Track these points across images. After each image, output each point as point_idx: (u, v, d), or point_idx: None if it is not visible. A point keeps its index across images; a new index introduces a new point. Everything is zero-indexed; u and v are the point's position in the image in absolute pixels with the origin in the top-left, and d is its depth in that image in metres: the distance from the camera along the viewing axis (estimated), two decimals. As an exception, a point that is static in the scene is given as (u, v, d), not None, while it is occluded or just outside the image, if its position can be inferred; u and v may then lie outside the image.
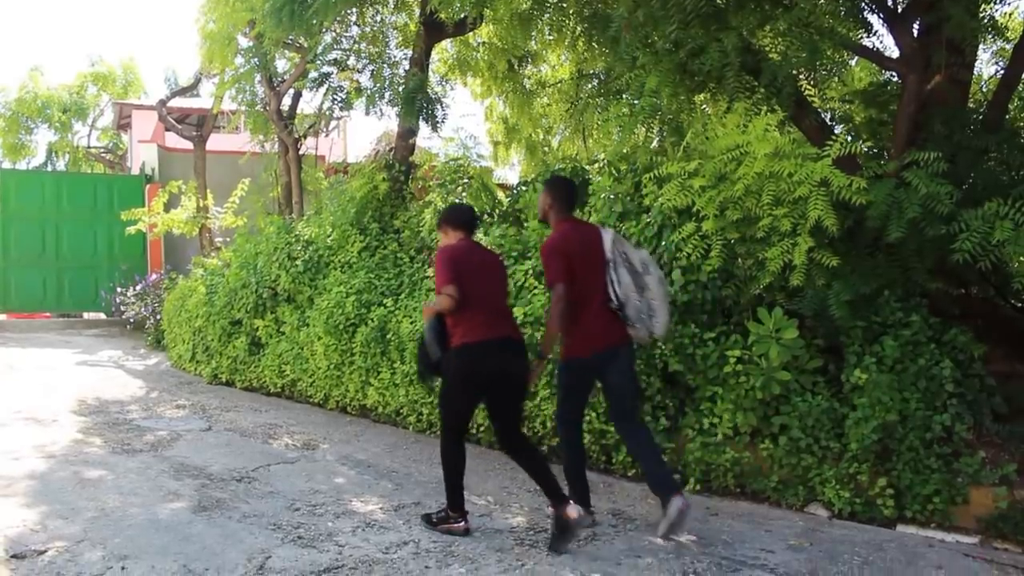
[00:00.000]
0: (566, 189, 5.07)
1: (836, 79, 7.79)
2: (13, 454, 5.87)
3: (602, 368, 4.77)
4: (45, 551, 4.04)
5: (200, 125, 16.62)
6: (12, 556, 3.96)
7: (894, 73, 6.71)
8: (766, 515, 5.18)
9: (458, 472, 4.64)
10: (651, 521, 4.90)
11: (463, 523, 4.59)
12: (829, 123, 7.16)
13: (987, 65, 8.19)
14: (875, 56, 6.41)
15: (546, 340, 4.82)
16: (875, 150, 6.71)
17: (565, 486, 4.69)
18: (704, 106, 7.87)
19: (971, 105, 6.59)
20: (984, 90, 7.53)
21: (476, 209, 5.06)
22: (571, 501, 4.49)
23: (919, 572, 4.19)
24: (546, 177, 5.29)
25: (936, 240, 5.05)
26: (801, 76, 6.47)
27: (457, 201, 8.70)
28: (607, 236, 4.86)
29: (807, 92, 6.61)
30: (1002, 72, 6.76)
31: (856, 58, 7.39)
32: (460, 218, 4.87)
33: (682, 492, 4.57)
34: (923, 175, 4.96)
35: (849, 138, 6.41)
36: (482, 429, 6.68)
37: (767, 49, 6.37)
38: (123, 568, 3.87)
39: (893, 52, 6.30)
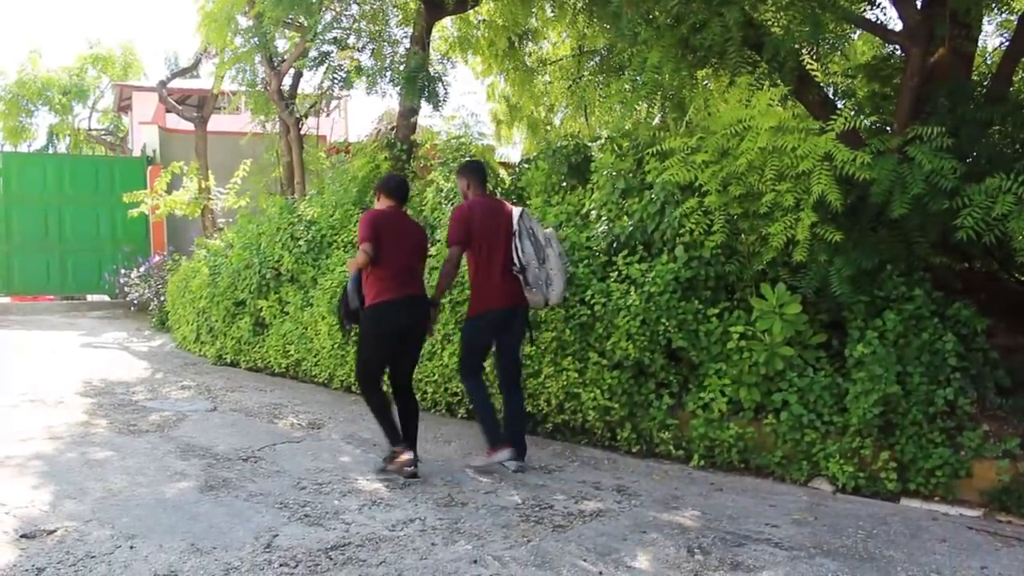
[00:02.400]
0: (479, 171, 5.82)
1: (839, 53, 7.76)
2: (21, 436, 5.90)
3: (504, 323, 5.50)
4: (54, 531, 4.07)
5: (201, 106, 16.58)
6: (22, 536, 3.99)
7: (897, 46, 6.67)
8: (770, 490, 5.20)
9: (386, 411, 5.32)
10: (656, 497, 4.94)
11: (408, 454, 5.17)
12: (832, 98, 7.14)
13: (991, 37, 8.15)
14: (878, 29, 6.38)
15: (437, 290, 5.59)
16: (878, 124, 6.69)
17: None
18: (706, 82, 7.85)
19: (975, 78, 6.56)
20: (988, 63, 7.48)
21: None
22: (411, 452, 5.18)
23: (923, 545, 4.21)
24: (462, 163, 6.31)
25: (939, 215, 5.04)
26: (803, 50, 6.44)
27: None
28: (516, 212, 5.59)
29: (809, 67, 6.58)
30: (1007, 44, 6.72)
31: (859, 31, 7.35)
32: (391, 188, 5.52)
33: (524, 458, 5.45)
34: (926, 150, 4.94)
35: (852, 113, 6.37)
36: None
37: (769, 23, 6.33)
38: (132, 547, 3.90)
39: (896, 25, 6.27)
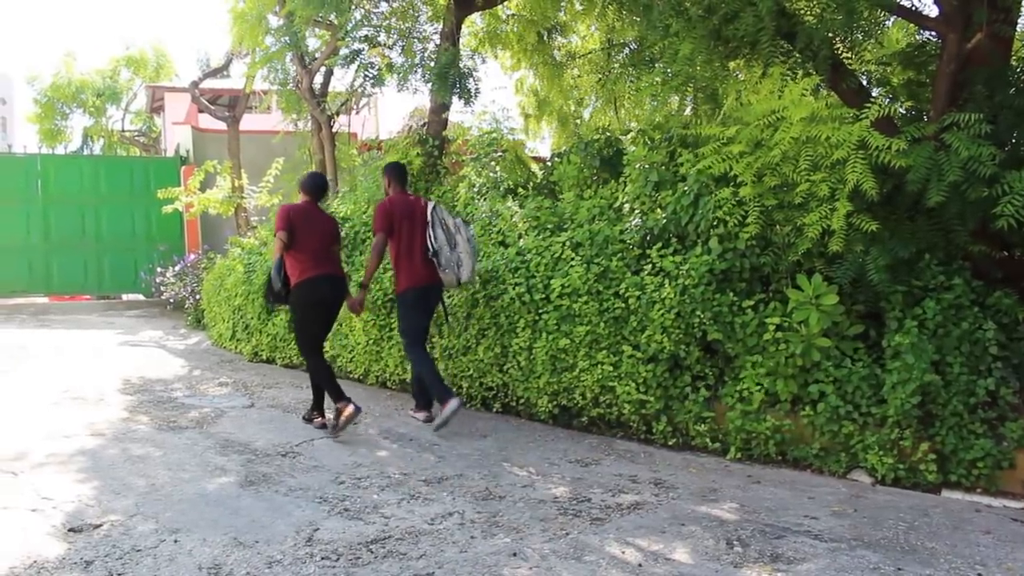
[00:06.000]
0: (399, 171, 6.83)
1: (872, 41, 7.65)
2: (64, 432, 6.00)
3: (421, 299, 6.51)
4: (100, 525, 4.14)
5: (233, 106, 16.71)
6: (70, 530, 4.06)
7: (933, 32, 6.58)
8: (808, 482, 5.18)
9: (330, 377, 6.28)
10: (693, 489, 4.93)
11: (351, 406, 6.04)
12: (866, 86, 7.05)
13: (1030, 21, 7.99)
14: (913, 15, 6.30)
15: (367, 273, 6.62)
16: (914, 112, 6.61)
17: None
18: (738, 73, 7.79)
19: (1013, 63, 6.44)
20: (1028, 47, 7.34)
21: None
22: (325, 414, 6.32)
23: (966, 537, 4.17)
24: (387, 163, 7.18)
25: (978, 203, 4.98)
26: (837, 39, 6.37)
27: (492, 174, 8.72)
28: (429, 205, 6.57)
29: (843, 55, 6.51)
30: (1046, 28, 6.60)
31: (893, 18, 7.25)
32: (307, 186, 6.53)
33: (457, 396, 6.26)
34: (963, 137, 4.88)
35: (887, 101, 6.29)
36: (521, 401, 6.72)
37: (802, 12, 6.27)
38: (176, 541, 3.96)
39: (932, 11, 6.18)
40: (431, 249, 6.38)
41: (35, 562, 3.68)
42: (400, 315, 6.66)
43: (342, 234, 8.70)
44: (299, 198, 6.54)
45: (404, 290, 6.53)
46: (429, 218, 6.47)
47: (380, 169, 7.44)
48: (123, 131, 24.35)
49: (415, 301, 6.52)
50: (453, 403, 6.14)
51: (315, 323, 6.37)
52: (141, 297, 16.59)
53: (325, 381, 6.27)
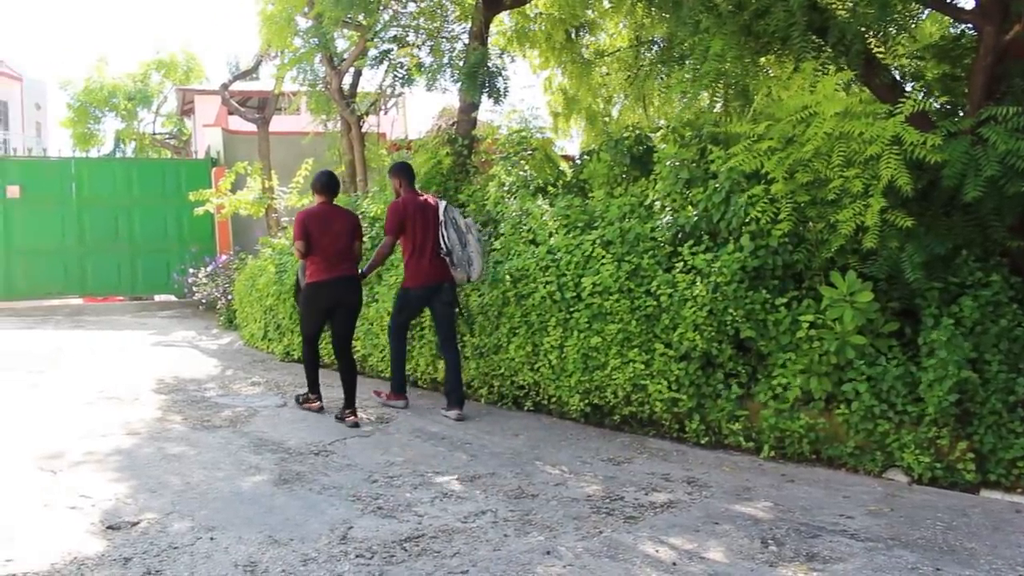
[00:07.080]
0: (408, 171, 7.09)
1: (906, 34, 7.55)
2: (100, 432, 6.07)
3: (430, 297, 6.83)
4: (137, 522, 4.19)
5: (262, 107, 16.84)
6: (108, 527, 4.11)
7: (969, 25, 6.49)
8: (843, 481, 5.13)
9: (314, 367, 6.89)
10: (727, 488, 4.90)
11: (319, 402, 6.83)
12: (900, 81, 6.97)
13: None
14: (948, 8, 6.21)
15: (369, 267, 7.03)
16: (949, 107, 6.52)
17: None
18: (768, 69, 7.73)
19: (1052, 56, 6.34)
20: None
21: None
22: (356, 412, 6.45)
23: (1006, 538, 4.11)
24: (393, 164, 7.40)
25: (1017, 198, 4.91)
26: (870, 33, 6.30)
27: (521, 173, 8.70)
28: (441, 205, 6.89)
29: (876, 50, 6.44)
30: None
31: (927, 11, 7.16)
32: (318, 185, 6.73)
33: (462, 407, 6.70)
34: (1001, 131, 4.82)
35: (921, 95, 6.20)
36: (552, 400, 6.72)
37: (834, 7, 6.21)
38: (212, 538, 3.99)
39: (968, 3, 6.10)
40: (444, 248, 6.71)
41: (75, 558, 3.73)
42: (396, 306, 7.04)
43: (371, 232, 8.75)
44: (314, 198, 6.77)
45: (410, 287, 6.86)
46: (442, 218, 6.78)
47: (387, 170, 7.66)
48: (154, 134, 24.65)
49: (416, 300, 6.90)
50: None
51: (313, 322, 6.79)
52: (173, 298, 16.75)
53: (308, 370, 6.90)
